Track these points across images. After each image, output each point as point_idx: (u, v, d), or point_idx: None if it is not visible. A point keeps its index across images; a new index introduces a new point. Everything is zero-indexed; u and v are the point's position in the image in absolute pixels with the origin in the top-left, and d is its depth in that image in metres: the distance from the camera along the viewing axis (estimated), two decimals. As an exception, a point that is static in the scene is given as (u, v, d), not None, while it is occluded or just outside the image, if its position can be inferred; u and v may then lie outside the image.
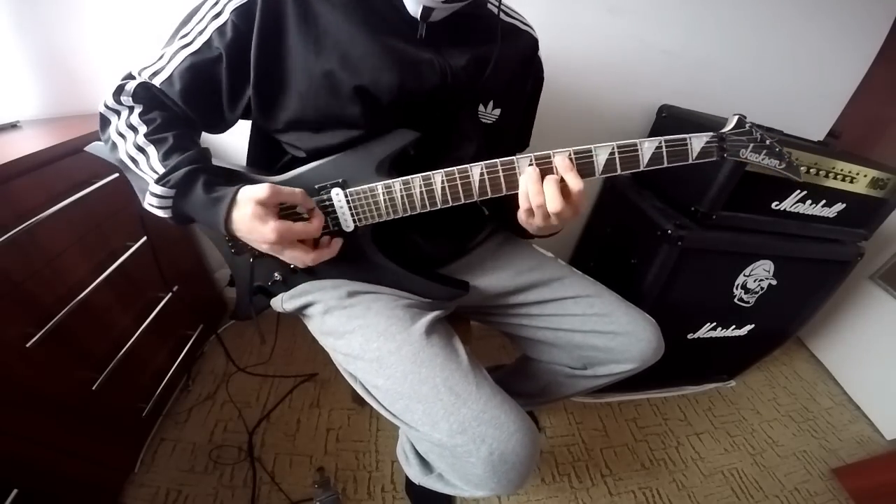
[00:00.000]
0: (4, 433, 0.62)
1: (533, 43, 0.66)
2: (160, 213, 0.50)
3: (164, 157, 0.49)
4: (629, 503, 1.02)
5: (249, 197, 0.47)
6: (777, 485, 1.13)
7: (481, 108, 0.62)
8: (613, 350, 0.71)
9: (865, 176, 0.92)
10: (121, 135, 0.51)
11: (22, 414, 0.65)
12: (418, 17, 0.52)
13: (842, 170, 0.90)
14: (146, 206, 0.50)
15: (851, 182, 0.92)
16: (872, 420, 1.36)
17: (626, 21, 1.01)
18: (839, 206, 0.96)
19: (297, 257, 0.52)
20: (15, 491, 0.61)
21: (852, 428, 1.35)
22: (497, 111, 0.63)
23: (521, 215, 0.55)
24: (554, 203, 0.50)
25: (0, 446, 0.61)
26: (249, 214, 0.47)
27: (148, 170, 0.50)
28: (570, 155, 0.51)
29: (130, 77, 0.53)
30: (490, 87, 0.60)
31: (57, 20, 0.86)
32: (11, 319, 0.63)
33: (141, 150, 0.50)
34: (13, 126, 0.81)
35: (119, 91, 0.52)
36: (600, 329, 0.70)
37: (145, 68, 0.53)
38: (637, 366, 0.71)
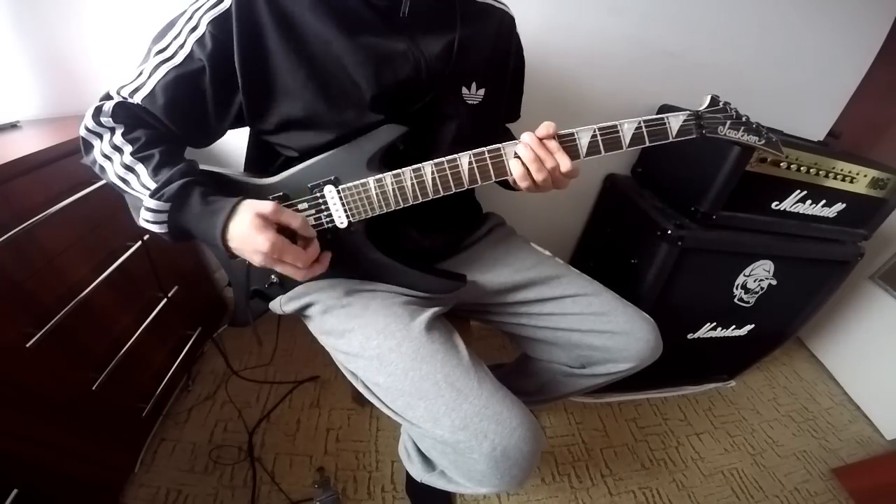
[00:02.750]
0: (4, 433, 0.62)
1: (508, 20, 0.67)
2: (155, 229, 0.49)
3: (154, 173, 0.49)
4: (629, 503, 1.02)
5: (251, 207, 0.47)
6: (777, 485, 1.13)
7: (465, 90, 0.62)
8: (611, 349, 0.71)
9: (865, 176, 0.92)
10: (107, 157, 0.51)
11: (22, 414, 0.65)
12: None
13: (842, 170, 0.90)
14: (141, 222, 0.50)
15: (851, 182, 0.92)
16: (872, 420, 1.36)
17: (627, 21, 1.00)
18: (839, 206, 0.96)
19: (288, 272, 0.51)
20: (15, 491, 0.60)
21: (852, 428, 1.35)
22: (482, 91, 0.64)
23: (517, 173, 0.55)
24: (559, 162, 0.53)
25: (0, 446, 0.61)
26: (248, 222, 0.47)
27: (140, 187, 0.49)
28: (555, 138, 0.53)
29: (108, 97, 0.52)
30: (469, 68, 0.61)
31: (57, 20, 0.86)
32: (11, 319, 0.63)
33: (129, 168, 0.50)
34: (13, 126, 0.81)
35: (98, 112, 0.51)
36: (598, 328, 0.70)
37: (124, 86, 0.52)
38: (634, 365, 0.71)
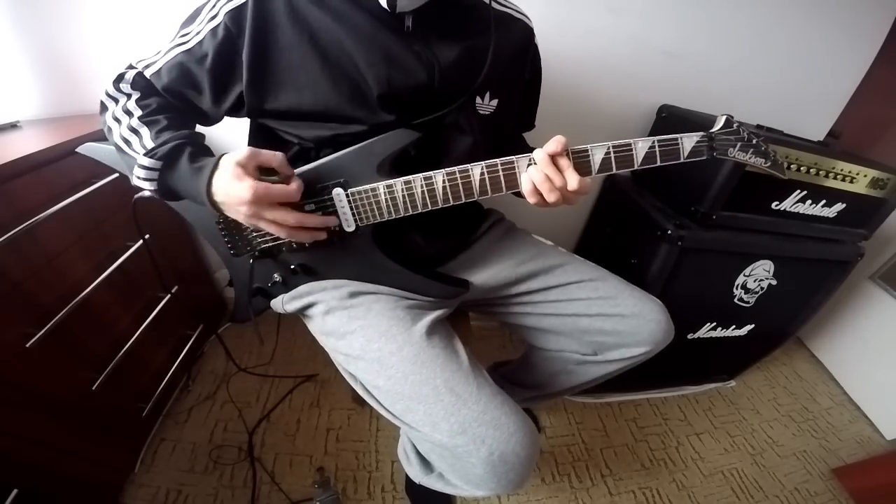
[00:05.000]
0: (4, 433, 0.62)
1: (528, 31, 0.67)
2: (146, 186, 0.51)
3: (157, 136, 0.51)
4: (629, 503, 1.02)
5: (229, 159, 0.48)
6: (777, 485, 1.13)
7: (478, 99, 0.62)
8: (622, 333, 0.70)
9: (865, 176, 0.92)
10: (116, 119, 0.53)
11: (22, 414, 0.65)
12: (387, 7, 0.52)
13: (842, 170, 0.90)
14: (134, 180, 0.51)
15: (851, 182, 0.92)
16: (872, 420, 1.36)
17: (626, 21, 1.00)
18: (839, 206, 0.96)
19: (278, 218, 0.50)
20: (15, 491, 0.61)
21: (852, 428, 1.35)
22: (494, 102, 0.63)
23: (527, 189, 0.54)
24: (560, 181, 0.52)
25: (0, 446, 0.61)
26: (228, 175, 0.48)
27: (139, 147, 0.51)
28: (567, 154, 0.52)
29: (131, 67, 0.56)
30: (485, 78, 0.60)
31: (57, 20, 0.86)
32: (11, 319, 0.63)
33: (134, 131, 0.52)
34: (13, 126, 0.81)
35: (119, 79, 0.55)
36: (607, 312, 0.70)
37: (141, 60, 0.56)
38: (649, 349, 0.71)
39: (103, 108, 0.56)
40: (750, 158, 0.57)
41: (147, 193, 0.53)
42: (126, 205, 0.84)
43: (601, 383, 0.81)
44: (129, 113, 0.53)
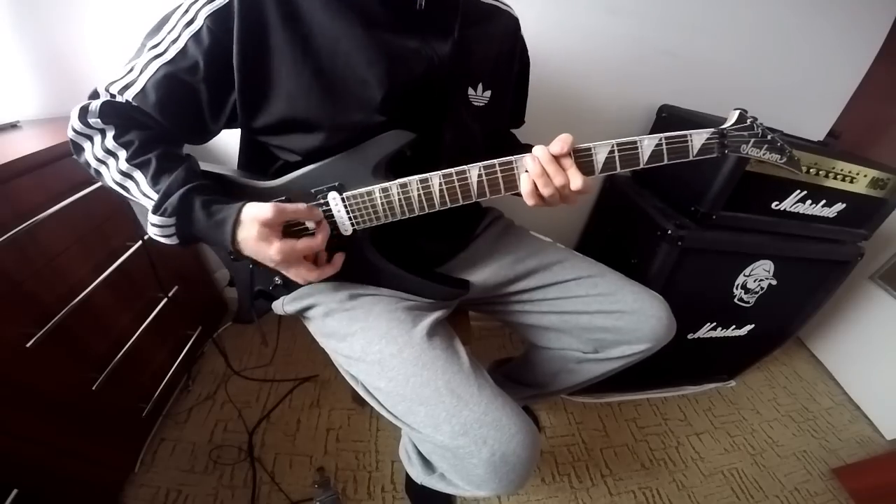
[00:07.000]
0: (4, 433, 0.62)
1: (514, 22, 0.67)
2: (166, 241, 0.49)
3: (154, 182, 0.48)
4: (629, 503, 1.02)
5: (254, 217, 0.47)
6: (777, 485, 1.13)
7: (472, 91, 0.61)
8: (623, 330, 0.70)
9: (865, 176, 0.92)
10: (101, 161, 0.49)
11: (22, 414, 0.65)
12: None
13: (842, 170, 0.90)
14: (151, 234, 0.49)
15: (851, 182, 0.92)
16: (872, 420, 1.36)
17: (626, 21, 1.00)
18: (839, 206, 0.96)
19: (301, 275, 0.52)
20: (15, 491, 0.61)
21: (852, 428, 1.35)
22: (487, 93, 0.63)
23: (526, 188, 0.54)
24: (560, 179, 0.51)
25: (0, 446, 0.61)
26: (254, 236, 0.47)
27: (141, 196, 0.49)
28: (569, 153, 0.51)
29: (95, 95, 0.51)
30: (477, 69, 0.60)
31: (57, 21, 0.86)
32: (11, 319, 0.63)
33: (127, 175, 0.49)
34: (13, 126, 0.81)
35: (84, 112, 0.49)
36: (606, 309, 0.70)
37: (113, 83, 0.50)
38: (651, 345, 0.70)
39: (77, 148, 0.50)
40: (764, 155, 0.54)
41: (166, 241, 0.50)
42: (125, 205, 0.85)
43: (601, 382, 0.81)
44: (112, 154, 0.48)
